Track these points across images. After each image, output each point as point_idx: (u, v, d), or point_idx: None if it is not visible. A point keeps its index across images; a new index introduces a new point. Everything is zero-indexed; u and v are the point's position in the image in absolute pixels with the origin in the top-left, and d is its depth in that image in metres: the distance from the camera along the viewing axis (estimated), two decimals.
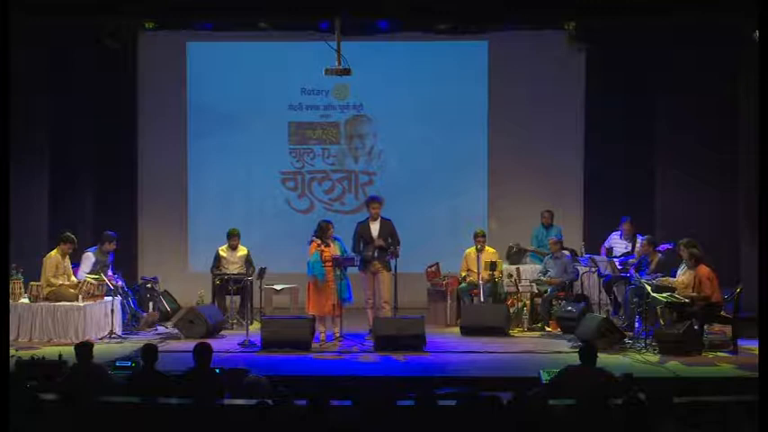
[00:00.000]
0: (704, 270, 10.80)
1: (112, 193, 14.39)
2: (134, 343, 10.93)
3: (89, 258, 12.09)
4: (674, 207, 13.26)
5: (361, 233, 11.62)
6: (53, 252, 11.66)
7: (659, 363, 10.08)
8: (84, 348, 7.94)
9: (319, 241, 11.26)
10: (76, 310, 11.38)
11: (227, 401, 7.08)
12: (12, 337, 10.75)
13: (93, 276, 11.82)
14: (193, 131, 14.77)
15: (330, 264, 11.13)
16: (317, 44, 12.21)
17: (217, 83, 14.72)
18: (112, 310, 11.57)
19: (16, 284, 11.47)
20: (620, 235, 12.80)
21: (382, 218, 11.64)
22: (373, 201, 11.80)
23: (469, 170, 14.74)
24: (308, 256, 11.28)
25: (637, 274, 11.48)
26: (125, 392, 7.26)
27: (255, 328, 11.46)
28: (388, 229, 11.58)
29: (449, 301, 12.76)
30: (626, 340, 10.89)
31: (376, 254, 11.49)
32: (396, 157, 14.79)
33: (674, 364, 9.93)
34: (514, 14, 12.07)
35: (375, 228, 11.55)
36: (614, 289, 12.40)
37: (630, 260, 12.33)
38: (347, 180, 14.89)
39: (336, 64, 11.61)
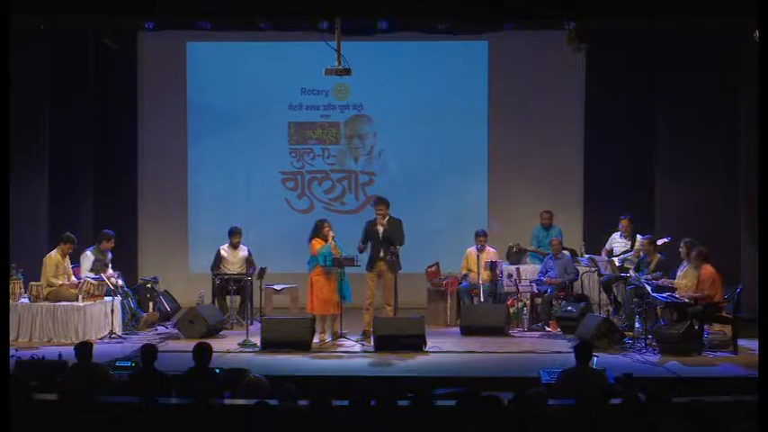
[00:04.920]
0: (709, 269, 10.80)
1: (112, 193, 14.39)
2: (134, 343, 10.94)
3: (88, 258, 12.09)
4: (674, 207, 13.24)
5: (369, 232, 11.56)
6: (53, 252, 11.67)
7: (659, 363, 10.08)
8: (84, 348, 7.95)
9: (321, 239, 11.28)
10: (76, 310, 11.39)
11: (227, 401, 7.09)
12: (12, 337, 10.75)
13: (94, 276, 11.83)
14: (193, 131, 14.77)
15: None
16: (317, 44, 12.20)
17: (217, 83, 14.72)
18: (112, 310, 11.58)
19: (16, 284, 11.48)
20: (620, 234, 12.80)
21: (391, 217, 11.54)
22: (378, 203, 11.61)
23: (469, 170, 14.75)
24: (312, 251, 11.29)
25: (636, 275, 11.49)
26: (125, 392, 7.27)
27: (255, 327, 11.46)
28: (392, 229, 11.50)
29: (449, 301, 12.76)
30: (626, 340, 10.90)
31: (382, 254, 11.44)
32: (396, 157, 14.80)
33: (674, 364, 9.94)
34: (514, 15, 12.05)
35: (381, 228, 11.50)
36: (614, 289, 12.41)
37: (629, 255, 12.35)
38: (347, 180, 14.89)
39: (336, 64, 11.60)
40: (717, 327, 11.14)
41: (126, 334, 11.73)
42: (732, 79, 12.57)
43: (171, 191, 14.80)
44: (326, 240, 11.27)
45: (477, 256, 12.64)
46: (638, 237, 12.35)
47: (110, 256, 12.27)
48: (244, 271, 12.64)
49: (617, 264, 12.33)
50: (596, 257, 12.46)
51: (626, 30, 13.15)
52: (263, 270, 11.80)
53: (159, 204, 14.80)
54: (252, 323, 11.75)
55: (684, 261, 11.27)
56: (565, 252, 12.72)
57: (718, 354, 10.53)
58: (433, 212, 14.54)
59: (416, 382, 9.19)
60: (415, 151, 14.70)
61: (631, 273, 11.75)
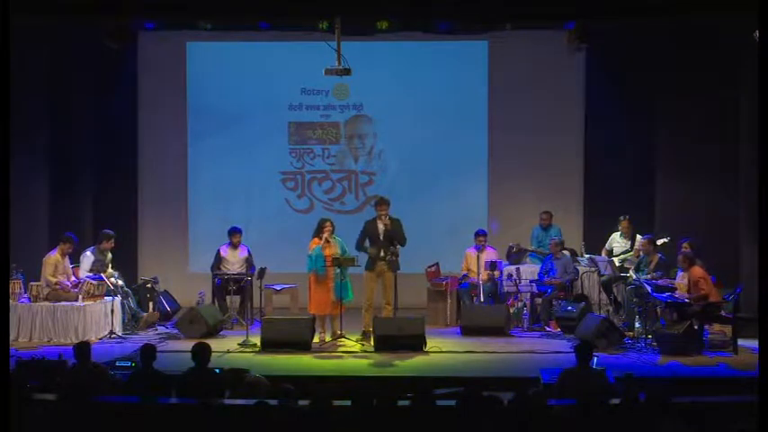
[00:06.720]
0: (698, 271, 10.82)
1: (112, 193, 14.39)
2: (134, 343, 10.94)
3: (88, 258, 12.09)
4: (674, 207, 13.26)
5: (368, 232, 11.55)
6: (53, 252, 11.67)
7: (659, 363, 10.09)
8: (83, 348, 7.95)
9: (318, 239, 11.28)
10: (76, 310, 11.39)
11: (227, 401, 7.09)
12: (12, 337, 10.76)
13: (94, 276, 11.83)
14: (193, 131, 14.76)
15: (330, 263, 11.14)
16: (317, 44, 12.20)
17: (217, 83, 14.71)
18: (112, 310, 11.59)
19: (16, 284, 11.48)
20: (620, 234, 12.80)
21: (390, 217, 11.51)
22: (380, 203, 11.55)
23: (469, 170, 14.73)
24: (309, 250, 11.30)
25: (637, 275, 11.49)
26: (125, 392, 7.27)
27: (255, 327, 11.45)
28: (395, 229, 11.44)
29: (449, 301, 12.76)
30: (626, 340, 10.90)
31: (382, 254, 11.41)
32: (396, 157, 14.79)
33: (674, 364, 9.94)
34: (514, 15, 12.06)
35: (381, 227, 11.48)
36: (614, 289, 12.41)
37: (629, 255, 12.35)
38: (347, 180, 14.89)
39: (336, 64, 11.60)
40: (717, 327, 11.15)
41: (126, 334, 11.73)
42: (732, 79, 12.58)
43: (171, 191, 14.79)
44: (327, 240, 11.26)
45: (477, 256, 12.65)
46: (638, 237, 12.36)
47: (109, 256, 12.27)
48: (244, 271, 12.64)
49: (617, 264, 12.33)
50: (596, 257, 12.45)
51: (626, 30, 13.14)
52: (262, 270, 11.80)
53: (159, 204, 14.80)
54: (252, 323, 11.75)
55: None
56: (565, 252, 12.72)
57: (719, 354, 10.53)
58: (433, 212, 14.53)
59: (416, 382, 9.19)
60: (415, 151, 14.69)
61: (631, 273, 11.75)
